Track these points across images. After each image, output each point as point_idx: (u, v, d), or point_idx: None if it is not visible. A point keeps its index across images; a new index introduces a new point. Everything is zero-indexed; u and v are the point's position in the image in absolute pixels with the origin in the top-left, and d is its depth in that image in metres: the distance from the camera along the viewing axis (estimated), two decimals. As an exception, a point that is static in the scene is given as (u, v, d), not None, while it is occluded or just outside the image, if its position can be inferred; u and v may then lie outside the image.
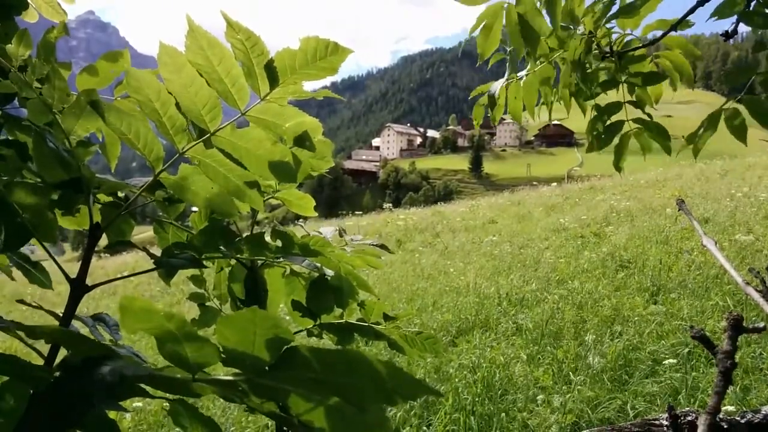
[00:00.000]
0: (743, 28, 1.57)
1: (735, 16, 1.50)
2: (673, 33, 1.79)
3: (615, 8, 1.76)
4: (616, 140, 1.91)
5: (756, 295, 1.13)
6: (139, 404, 4.73)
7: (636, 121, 1.87)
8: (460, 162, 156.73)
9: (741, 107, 1.56)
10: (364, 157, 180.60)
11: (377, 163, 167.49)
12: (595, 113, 1.93)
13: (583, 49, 1.80)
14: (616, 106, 1.87)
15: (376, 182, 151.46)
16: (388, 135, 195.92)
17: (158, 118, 0.81)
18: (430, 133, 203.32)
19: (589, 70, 1.87)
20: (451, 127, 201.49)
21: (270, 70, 0.78)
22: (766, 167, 15.55)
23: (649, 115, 1.86)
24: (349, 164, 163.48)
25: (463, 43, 1.77)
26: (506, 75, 1.98)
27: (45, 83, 0.95)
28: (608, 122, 1.89)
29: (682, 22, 1.73)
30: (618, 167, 1.97)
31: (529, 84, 1.98)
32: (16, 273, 1.06)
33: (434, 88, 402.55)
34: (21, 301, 0.86)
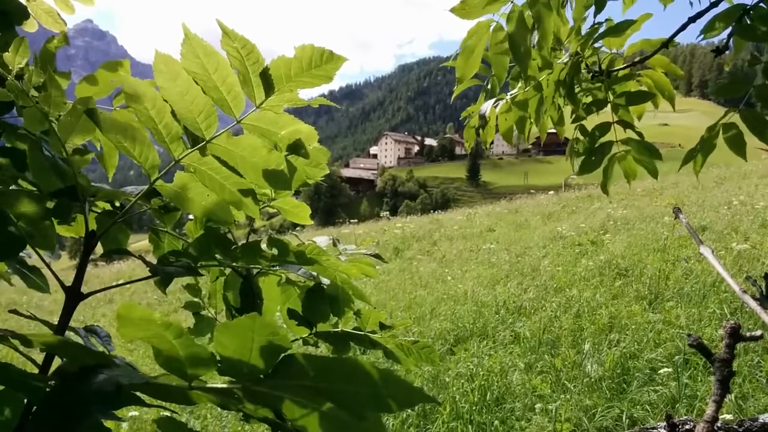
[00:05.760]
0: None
1: (726, 31, 1.49)
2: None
3: (601, 29, 1.74)
4: (605, 162, 1.88)
5: (753, 303, 1.13)
6: (135, 413, 4.70)
7: (625, 141, 1.83)
8: (458, 170, 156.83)
9: (737, 120, 1.54)
10: (361, 165, 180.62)
11: (375, 171, 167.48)
12: (578, 134, 1.89)
13: (569, 70, 1.78)
14: (602, 128, 1.83)
15: (374, 190, 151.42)
16: (386, 143, 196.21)
17: (154, 126, 0.81)
18: (428, 141, 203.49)
19: (578, 92, 1.85)
20: (448, 135, 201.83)
21: (265, 77, 0.79)
22: (762, 176, 15.60)
23: (640, 134, 1.82)
24: (346, 172, 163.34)
25: (450, 59, 1.72)
26: (491, 100, 1.92)
27: (42, 92, 0.96)
28: (597, 143, 1.84)
29: (669, 42, 1.72)
30: (606, 190, 1.95)
31: (518, 105, 1.94)
32: (15, 279, 1.05)
33: (431, 97, 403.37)
34: (14, 311, 0.85)
